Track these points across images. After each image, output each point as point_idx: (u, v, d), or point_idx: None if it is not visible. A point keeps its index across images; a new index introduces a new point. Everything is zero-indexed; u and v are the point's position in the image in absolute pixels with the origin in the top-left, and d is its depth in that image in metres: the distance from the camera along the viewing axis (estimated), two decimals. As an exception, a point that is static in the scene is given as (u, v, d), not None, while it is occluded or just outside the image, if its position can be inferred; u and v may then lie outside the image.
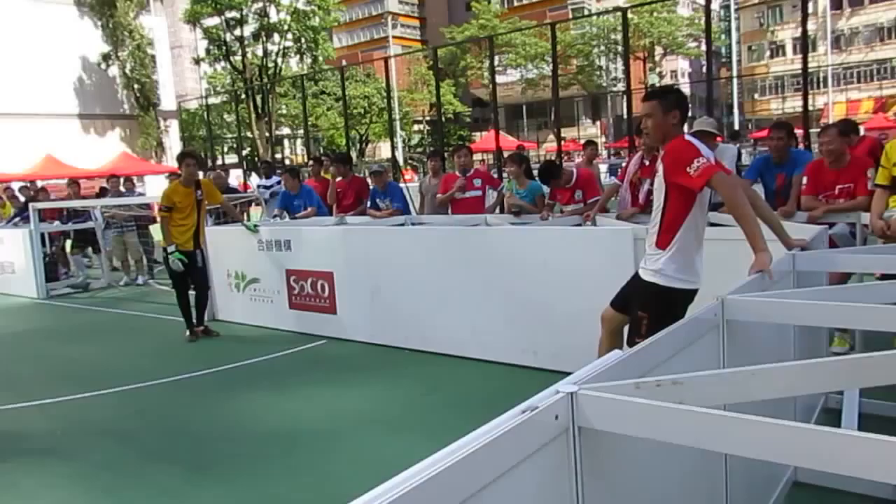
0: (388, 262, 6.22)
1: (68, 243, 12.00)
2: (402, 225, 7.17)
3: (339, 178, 8.41)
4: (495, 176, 9.95)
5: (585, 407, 1.42)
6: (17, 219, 11.75)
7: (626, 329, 3.64)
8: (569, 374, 1.57)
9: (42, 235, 10.76)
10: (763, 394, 1.68)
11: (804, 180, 5.22)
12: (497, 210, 7.38)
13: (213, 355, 6.51)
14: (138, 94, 31.46)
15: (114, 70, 30.90)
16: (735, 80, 41.16)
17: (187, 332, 7.16)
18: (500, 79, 34.71)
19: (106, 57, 30.38)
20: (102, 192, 13.45)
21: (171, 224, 6.87)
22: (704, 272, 3.34)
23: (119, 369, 6.33)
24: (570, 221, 5.89)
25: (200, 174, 8.10)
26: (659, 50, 49.48)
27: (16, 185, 17.51)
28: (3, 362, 6.97)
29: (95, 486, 3.90)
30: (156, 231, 9.57)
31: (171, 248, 6.87)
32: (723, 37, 47.72)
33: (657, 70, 50.99)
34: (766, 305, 2.35)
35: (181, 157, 7.17)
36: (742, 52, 47.98)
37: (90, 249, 11.98)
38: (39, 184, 16.74)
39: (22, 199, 12.76)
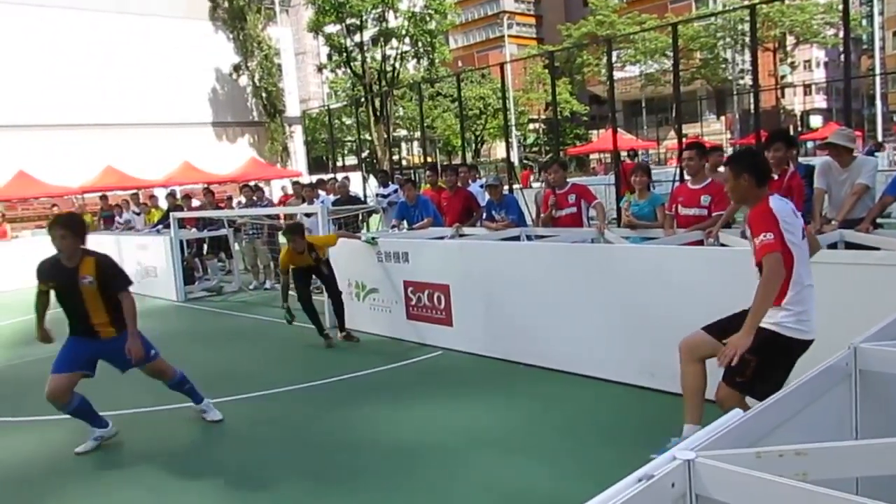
0: (504, 275, 6.26)
1: (204, 248, 12.88)
2: (518, 238, 7.20)
3: (445, 190, 8.57)
4: (615, 181, 9.71)
5: (703, 475, 1.39)
6: (159, 226, 12.72)
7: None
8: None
9: (181, 242, 11.60)
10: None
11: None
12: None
13: (336, 364, 6.79)
14: (265, 102, 33.13)
15: (244, 80, 32.70)
16: (878, 69, 38.07)
17: (323, 339, 7.54)
18: (617, 75, 33.90)
19: (237, 67, 32.21)
20: (230, 200, 14.33)
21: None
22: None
23: (249, 375, 6.73)
24: (693, 237, 5.68)
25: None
26: (791, 39, 46.65)
27: (157, 191, 18.97)
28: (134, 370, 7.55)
29: (225, 490, 4.17)
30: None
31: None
32: (863, 23, 44.34)
33: (789, 61, 48.13)
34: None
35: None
36: (886, 39, 44.34)
37: (223, 254, 12.80)
38: (178, 190, 18.04)
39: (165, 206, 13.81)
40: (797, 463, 1.48)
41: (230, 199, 14.21)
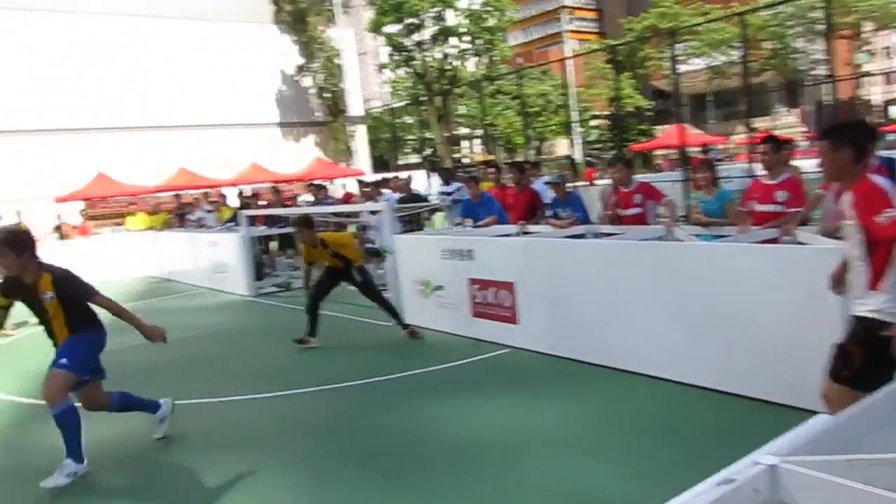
0: (569, 273, 6.24)
1: (273, 245, 13.24)
2: (583, 236, 7.16)
3: (509, 187, 8.57)
4: (682, 178, 9.53)
5: (788, 482, 1.35)
6: (230, 223, 13.12)
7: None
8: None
9: (251, 238, 11.94)
10: None
11: None
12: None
13: (402, 360, 6.90)
14: (329, 102, 33.73)
15: (307, 81, 33.35)
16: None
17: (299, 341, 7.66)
18: (682, 68, 33.10)
19: (301, 69, 32.89)
20: (296, 198, 14.65)
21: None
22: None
23: (317, 368, 6.91)
24: (767, 235, 5.53)
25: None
26: (869, 25, 44.63)
27: (226, 190, 19.54)
28: (221, 357, 7.86)
29: (297, 481, 4.30)
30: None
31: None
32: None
33: (866, 48, 46.10)
34: None
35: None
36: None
37: (291, 251, 13.11)
38: (246, 188, 18.56)
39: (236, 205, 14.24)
40: (893, 473, 1.43)
41: (296, 197, 14.58)
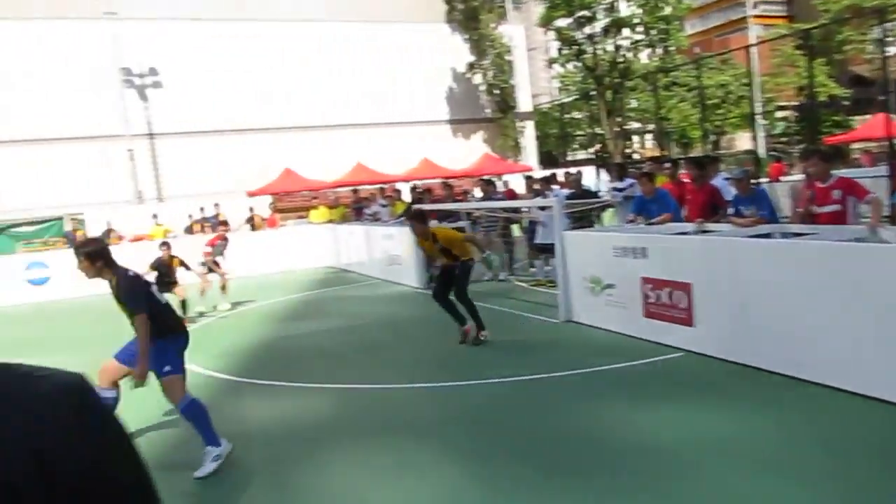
0: (755, 275, 5.82)
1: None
2: (770, 235, 6.65)
3: (687, 183, 8.15)
4: (889, 173, 8.59)
5: None
6: (403, 217, 13.61)
7: None
8: None
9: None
10: None
11: None
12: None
13: (569, 358, 6.81)
14: (498, 99, 34.03)
15: (478, 78, 33.87)
16: None
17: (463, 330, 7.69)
18: (891, 50, 29.80)
19: (471, 66, 33.46)
20: (466, 193, 14.88)
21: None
22: None
23: (481, 361, 6.99)
24: None
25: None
26: None
27: (400, 186, 20.32)
28: (392, 347, 8.17)
29: (460, 471, 4.36)
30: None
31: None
32: None
33: None
34: None
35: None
36: None
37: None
38: (418, 184, 19.18)
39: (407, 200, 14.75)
40: None
41: (466, 192, 14.88)
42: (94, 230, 19.40)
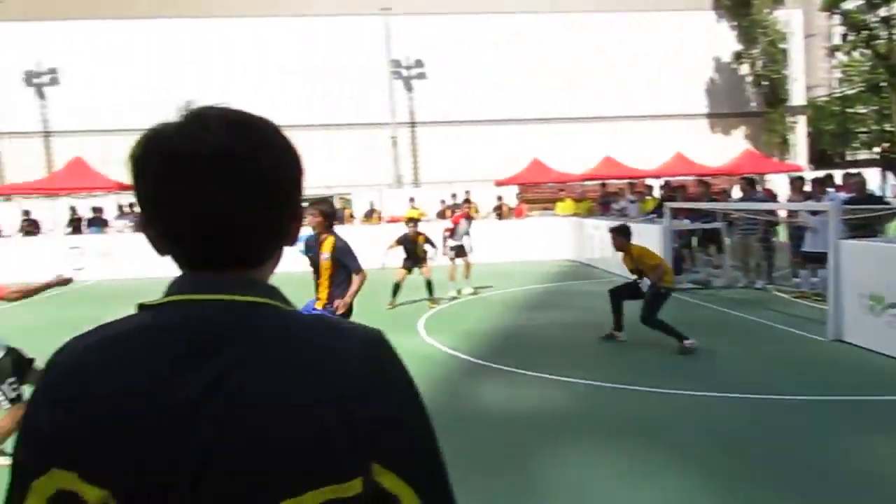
0: None
1: (694, 240, 12.85)
2: None
3: None
4: None
5: None
6: (653, 215, 13.12)
7: None
8: None
9: (672, 231, 11.76)
10: None
11: None
12: None
13: (838, 381, 6.08)
14: (766, 91, 31.32)
15: (744, 68, 31.46)
16: None
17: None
18: None
19: (738, 56, 31.14)
20: (724, 192, 13.88)
21: None
22: None
23: (732, 373, 6.49)
24: None
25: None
26: None
27: (651, 181, 19.61)
28: (627, 346, 7.87)
29: (699, 484, 4.09)
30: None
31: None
32: None
33: None
34: None
35: None
36: None
37: (713, 248, 12.56)
38: (670, 180, 18.34)
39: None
40: None
41: (724, 191, 13.90)
42: (359, 209, 21.34)
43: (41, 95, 27.61)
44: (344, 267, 5.82)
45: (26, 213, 18.90)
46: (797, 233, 10.74)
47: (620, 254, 8.03)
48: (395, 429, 0.85)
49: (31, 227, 18.21)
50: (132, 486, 0.79)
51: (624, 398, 5.88)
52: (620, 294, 8.01)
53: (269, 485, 0.79)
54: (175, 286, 0.89)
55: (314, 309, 5.80)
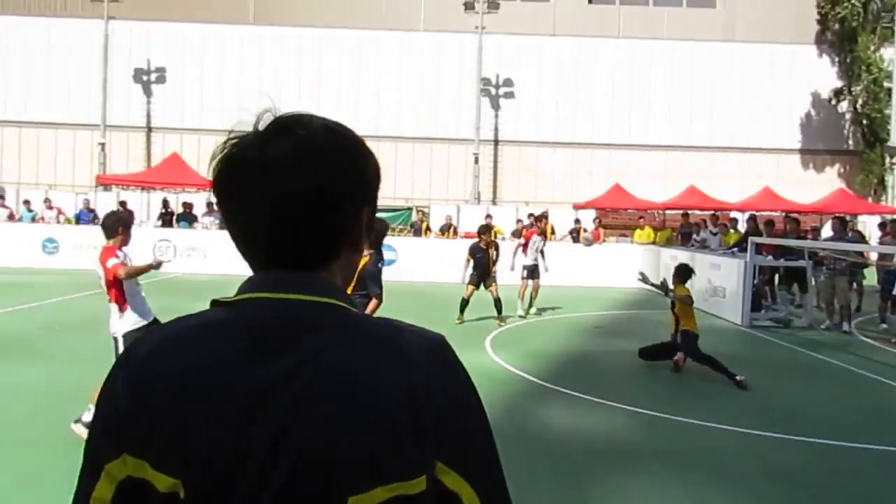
0: None
1: (776, 277, 12.44)
2: None
3: None
4: None
5: None
6: (735, 248, 12.76)
7: None
8: None
9: (754, 267, 11.42)
10: None
11: None
12: None
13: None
14: (865, 130, 29.97)
15: (843, 105, 30.22)
16: None
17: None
18: None
19: (838, 93, 29.96)
20: (815, 231, 13.42)
21: None
22: None
23: (814, 418, 6.24)
24: None
25: None
26: None
27: (735, 214, 19.08)
28: (701, 381, 7.64)
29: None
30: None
31: None
32: None
33: None
34: None
35: None
36: None
37: (796, 286, 12.12)
38: (755, 214, 17.79)
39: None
40: None
41: (815, 229, 13.37)
42: (436, 223, 21.58)
43: (148, 92, 29.15)
44: (364, 287, 5.84)
45: (122, 203, 19.98)
46: (888, 277, 10.26)
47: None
48: (459, 426, 0.89)
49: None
50: (202, 475, 0.82)
51: (689, 432, 5.76)
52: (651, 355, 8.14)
53: (339, 478, 0.82)
54: (246, 285, 0.93)
55: None
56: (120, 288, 5.09)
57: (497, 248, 10.95)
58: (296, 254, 0.92)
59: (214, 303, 0.94)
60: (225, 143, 0.95)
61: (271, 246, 0.92)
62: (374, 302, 5.86)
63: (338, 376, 0.84)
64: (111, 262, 5.05)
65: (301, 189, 0.89)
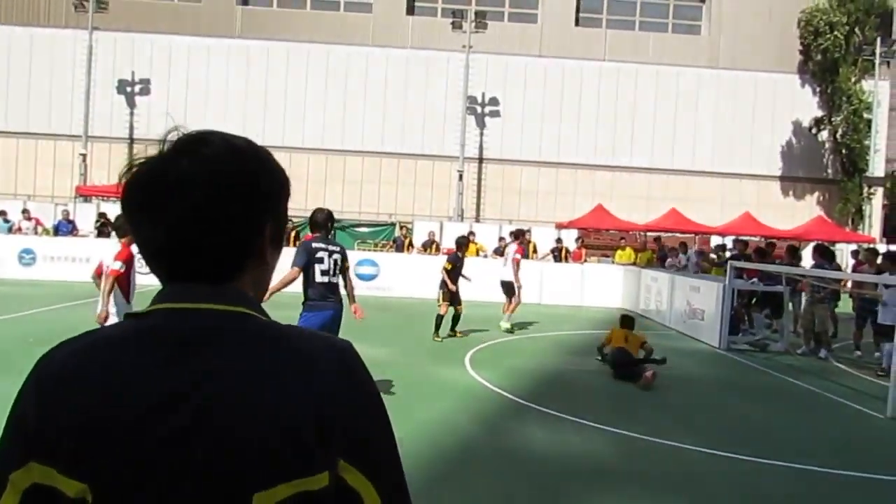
0: None
1: (752, 300, 12.53)
2: None
3: None
4: None
5: None
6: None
7: None
8: None
9: (733, 291, 11.49)
10: None
11: None
12: None
13: (892, 460, 5.81)
14: (844, 160, 30.47)
15: (824, 135, 30.74)
16: None
17: None
18: None
19: (818, 122, 30.47)
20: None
21: None
22: None
23: (789, 441, 6.26)
24: None
25: None
26: None
27: (715, 239, 19.25)
28: (682, 407, 7.68)
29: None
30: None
31: None
32: None
33: None
34: None
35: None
36: None
37: (769, 310, 12.22)
38: (726, 239, 17.95)
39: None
40: None
41: (794, 249, 13.48)
42: (418, 239, 21.57)
43: (131, 104, 28.95)
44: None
45: (102, 214, 19.75)
46: (866, 305, 10.38)
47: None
48: (362, 428, 0.93)
49: (105, 227, 19.02)
50: (110, 479, 0.85)
51: (665, 454, 5.74)
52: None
53: (244, 477, 0.85)
54: (158, 297, 0.96)
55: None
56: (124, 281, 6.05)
57: (478, 252, 11.09)
58: (197, 270, 0.95)
59: (127, 316, 0.96)
60: (129, 166, 0.99)
61: (172, 263, 0.95)
62: (290, 273, 6.00)
63: (243, 381, 0.88)
64: (117, 265, 5.89)
65: (199, 207, 0.92)
